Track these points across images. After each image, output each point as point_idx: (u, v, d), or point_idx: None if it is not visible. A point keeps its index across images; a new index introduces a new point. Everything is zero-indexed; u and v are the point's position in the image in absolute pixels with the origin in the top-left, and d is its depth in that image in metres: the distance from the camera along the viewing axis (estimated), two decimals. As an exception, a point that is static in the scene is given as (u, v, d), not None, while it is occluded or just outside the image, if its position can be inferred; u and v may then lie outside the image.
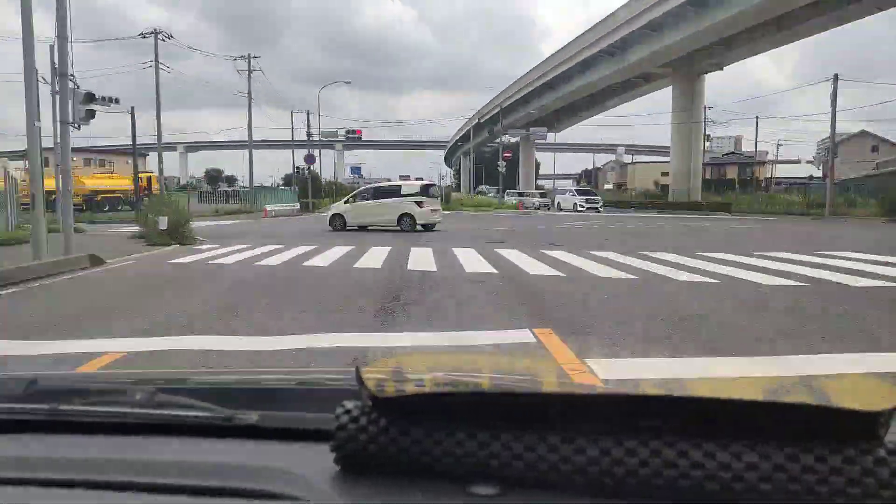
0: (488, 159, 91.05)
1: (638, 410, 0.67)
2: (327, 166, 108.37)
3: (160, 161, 36.52)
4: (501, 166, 47.12)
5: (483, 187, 70.85)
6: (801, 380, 1.52)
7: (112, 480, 0.75)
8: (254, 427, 0.87)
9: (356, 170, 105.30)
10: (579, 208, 40.62)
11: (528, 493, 0.65)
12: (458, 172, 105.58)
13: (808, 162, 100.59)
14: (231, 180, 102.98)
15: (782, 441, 0.62)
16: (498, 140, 56.34)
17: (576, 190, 45.69)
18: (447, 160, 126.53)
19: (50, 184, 15.60)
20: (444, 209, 44.35)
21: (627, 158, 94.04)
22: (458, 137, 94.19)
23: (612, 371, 4.10)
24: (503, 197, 48.07)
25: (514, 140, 68.81)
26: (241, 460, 0.79)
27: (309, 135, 47.09)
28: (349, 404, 0.72)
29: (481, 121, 70.80)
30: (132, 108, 35.07)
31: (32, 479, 0.77)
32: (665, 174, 78.30)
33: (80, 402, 0.97)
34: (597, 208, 40.63)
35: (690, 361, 4.47)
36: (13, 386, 1.04)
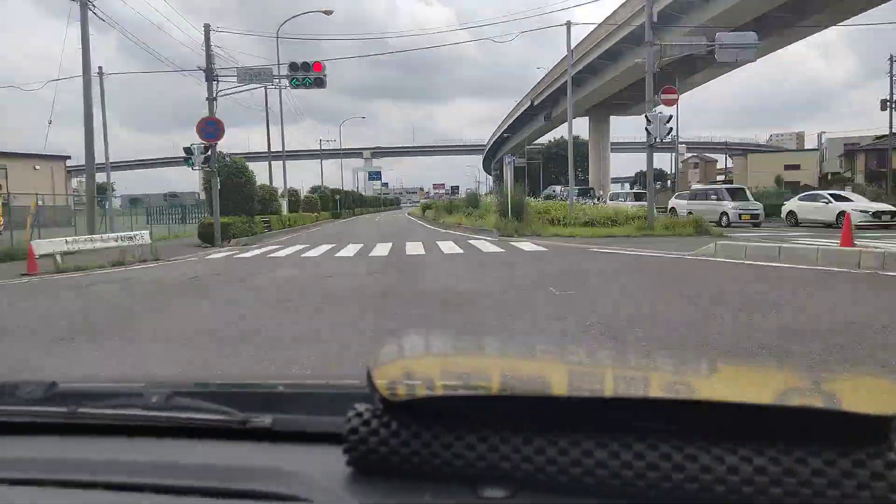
0: (535, 162, 73.07)
1: (646, 413, 0.67)
2: (350, 179, 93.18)
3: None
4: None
5: (556, 189, 47.43)
6: (810, 381, 0.99)
7: (129, 482, 0.77)
8: (268, 430, 0.88)
9: (375, 175, 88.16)
10: (729, 219, 23.38)
11: (538, 495, 0.65)
12: (499, 178, 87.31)
13: None
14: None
15: (791, 444, 0.61)
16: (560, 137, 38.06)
17: (726, 189, 26.24)
18: (485, 165, 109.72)
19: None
20: (517, 234, 19.04)
21: (697, 158, 76.42)
22: (503, 130, 76.12)
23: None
24: (602, 199, 29.40)
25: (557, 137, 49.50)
26: (255, 463, 0.80)
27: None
28: (361, 407, 0.73)
29: (534, 104, 53.91)
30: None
31: (52, 480, 0.79)
32: (792, 167, 57.79)
33: (97, 406, 0.97)
34: (758, 220, 23.46)
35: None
36: (32, 389, 1.03)
